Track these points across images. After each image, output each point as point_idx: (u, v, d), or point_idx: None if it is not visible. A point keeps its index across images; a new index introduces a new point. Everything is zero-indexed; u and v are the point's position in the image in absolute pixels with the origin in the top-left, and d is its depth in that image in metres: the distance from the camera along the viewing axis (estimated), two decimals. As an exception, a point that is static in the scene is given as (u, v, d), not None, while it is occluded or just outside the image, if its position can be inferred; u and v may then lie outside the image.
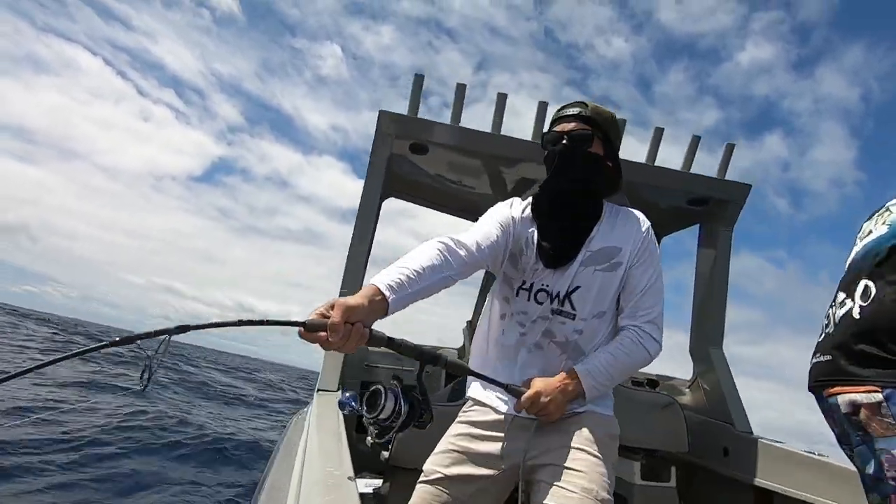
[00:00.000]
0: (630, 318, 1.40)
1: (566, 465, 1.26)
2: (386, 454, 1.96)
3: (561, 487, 1.22)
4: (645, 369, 3.55)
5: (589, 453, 1.28)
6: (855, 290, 1.46)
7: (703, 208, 2.78)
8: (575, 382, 1.32)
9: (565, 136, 1.39)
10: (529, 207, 1.48)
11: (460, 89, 2.48)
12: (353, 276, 2.45)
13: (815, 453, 2.09)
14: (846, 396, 1.36)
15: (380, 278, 1.13)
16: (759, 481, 2.19)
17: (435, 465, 1.37)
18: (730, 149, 2.70)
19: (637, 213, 1.47)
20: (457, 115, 2.48)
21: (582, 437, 1.30)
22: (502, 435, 1.36)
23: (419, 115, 2.46)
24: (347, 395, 1.39)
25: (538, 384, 1.32)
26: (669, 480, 2.33)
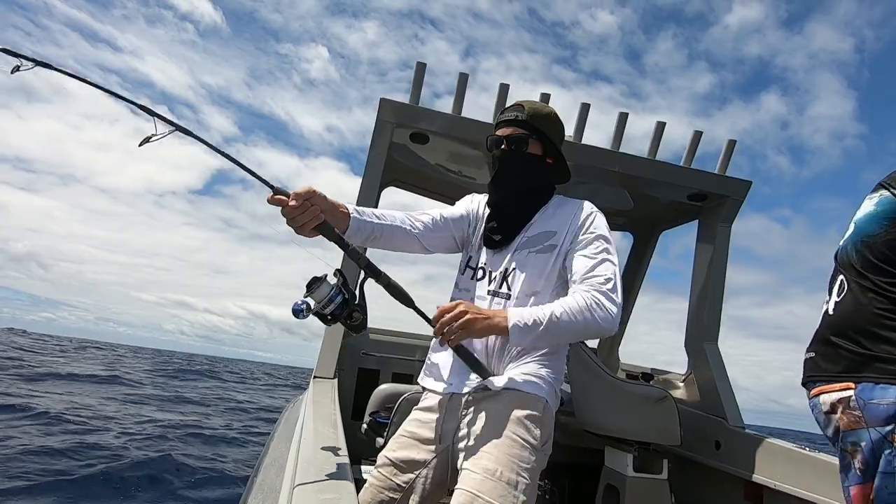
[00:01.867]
0: (579, 283, 1.34)
1: (477, 445, 1.27)
2: (381, 440, 1.97)
3: (467, 469, 1.24)
4: (638, 362, 3.57)
5: (501, 433, 1.26)
6: (833, 286, 1.49)
7: (702, 204, 2.78)
8: (503, 316, 1.26)
9: (503, 141, 1.46)
10: (486, 199, 1.59)
11: (462, 78, 2.46)
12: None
13: (805, 448, 2.11)
14: (824, 397, 1.39)
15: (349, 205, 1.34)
16: (750, 475, 2.21)
17: (385, 451, 1.41)
18: (731, 145, 2.69)
19: (583, 201, 1.49)
20: (458, 104, 2.47)
21: (497, 417, 1.29)
22: (440, 416, 1.38)
23: (420, 105, 2.45)
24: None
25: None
26: (661, 473, 2.35)
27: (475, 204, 1.59)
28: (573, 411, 2.58)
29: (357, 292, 1.31)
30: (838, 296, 1.45)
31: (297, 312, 1.22)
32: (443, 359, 1.47)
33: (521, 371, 1.35)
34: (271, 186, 1.20)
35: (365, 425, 2.38)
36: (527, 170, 1.47)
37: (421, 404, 1.47)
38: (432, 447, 1.36)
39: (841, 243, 1.50)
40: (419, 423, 1.42)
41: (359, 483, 1.18)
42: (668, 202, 2.95)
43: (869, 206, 1.44)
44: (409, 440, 1.39)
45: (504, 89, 2.48)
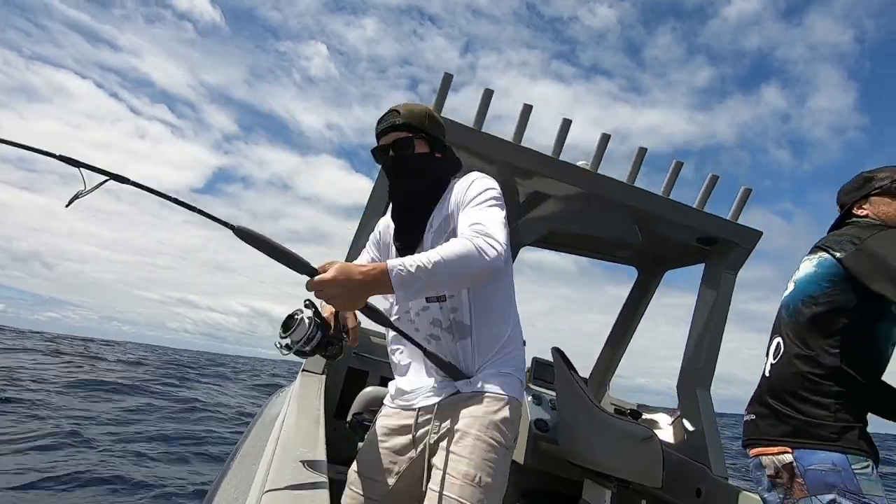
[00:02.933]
0: (463, 230, 1.28)
1: (453, 449, 1.27)
2: (361, 444, 1.96)
3: (446, 473, 1.25)
4: (629, 398, 3.53)
5: (476, 437, 1.27)
6: (771, 347, 1.50)
7: (711, 248, 2.77)
8: (381, 272, 1.12)
9: (390, 149, 1.45)
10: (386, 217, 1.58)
11: (487, 94, 2.47)
12: None
13: None
14: (765, 459, 1.41)
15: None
16: None
17: (355, 465, 1.42)
18: (745, 193, 2.69)
19: (471, 174, 1.44)
20: (480, 119, 2.47)
21: (472, 420, 1.30)
22: (412, 423, 1.39)
23: (443, 115, 2.46)
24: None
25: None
26: None
27: (379, 229, 1.60)
28: (557, 438, 2.55)
29: (332, 322, 1.33)
30: (774, 358, 1.48)
31: (280, 350, 1.25)
32: (408, 358, 1.46)
33: (490, 371, 1.36)
34: (312, 269, 1.13)
35: (348, 425, 2.36)
36: (420, 169, 1.45)
37: (389, 410, 1.48)
38: (405, 456, 1.37)
39: (782, 301, 1.52)
40: (389, 431, 1.43)
41: (334, 483, 1.17)
42: (678, 242, 2.94)
43: (808, 266, 1.46)
44: (381, 450, 1.40)
45: (527, 109, 2.49)
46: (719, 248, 2.74)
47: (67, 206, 1.03)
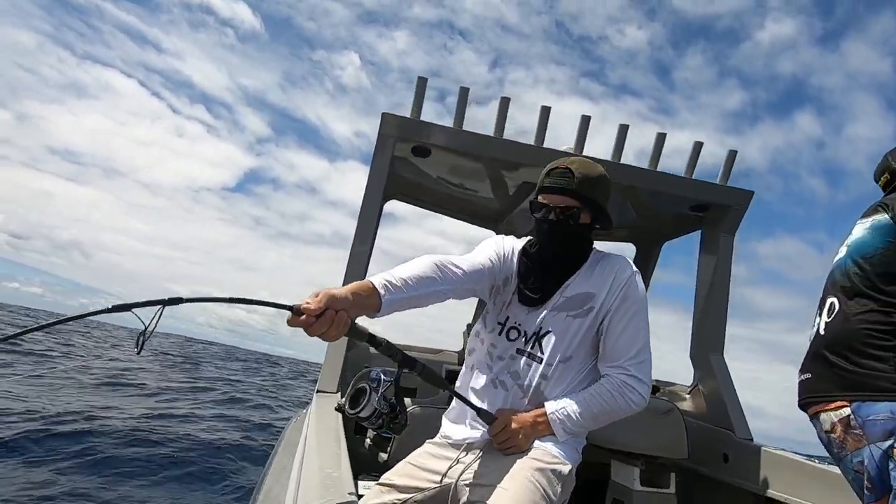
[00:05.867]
0: (610, 363, 1.37)
1: (498, 484, 1.24)
2: (384, 456, 1.96)
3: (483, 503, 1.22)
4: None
5: (524, 478, 1.24)
6: (823, 307, 1.51)
7: (704, 214, 2.78)
8: (545, 423, 1.33)
9: (552, 212, 1.39)
10: (522, 246, 1.51)
11: (463, 92, 2.48)
12: (355, 277, 2.45)
13: (815, 461, 2.08)
14: (823, 416, 1.41)
15: (378, 277, 1.18)
16: (759, 489, 2.18)
17: (391, 472, 1.41)
18: (732, 155, 2.70)
19: (621, 258, 1.46)
20: (459, 118, 2.48)
21: (522, 464, 1.28)
22: (454, 457, 1.38)
23: (422, 118, 2.47)
24: (377, 370, 1.40)
25: (509, 414, 1.35)
26: (669, 487, 2.32)
27: (506, 250, 1.50)
28: None
29: (395, 398, 1.32)
30: (828, 316, 1.47)
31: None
32: (467, 407, 1.44)
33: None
34: (289, 308, 1.07)
35: (369, 440, 2.36)
36: (575, 239, 1.42)
37: (438, 440, 1.47)
38: (436, 478, 1.35)
39: (833, 264, 1.54)
40: (430, 455, 1.42)
41: (360, 498, 1.17)
42: (670, 213, 2.95)
43: (861, 229, 1.48)
44: (415, 468, 1.39)
45: (505, 102, 2.50)
46: (713, 214, 2.74)
47: (139, 352, 1.00)
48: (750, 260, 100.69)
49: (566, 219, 1.38)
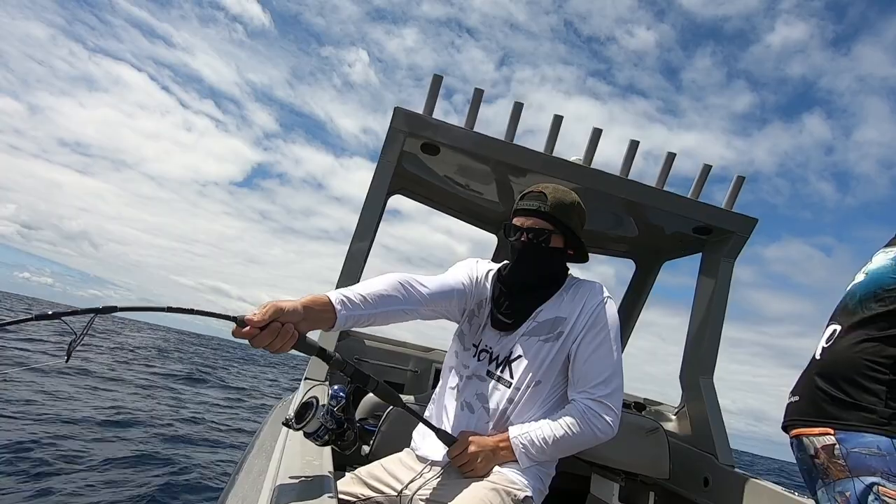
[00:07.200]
0: (578, 389, 1.37)
1: (449, 501, 1.24)
2: (367, 448, 1.95)
3: None
4: (633, 392, 3.54)
5: (477, 498, 1.23)
6: (826, 332, 1.49)
7: (707, 238, 2.77)
8: (507, 448, 1.33)
9: (524, 234, 1.40)
10: (495, 271, 1.53)
11: (477, 94, 2.47)
12: (352, 272, 2.44)
13: (795, 493, 2.08)
14: (805, 440, 1.40)
15: (335, 292, 1.17)
16: None
17: (365, 468, 1.43)
18: (739, 181, 2.69)
19: (596, 284, 1.46)
20: (472, 118, 2.47)
21: (478, 485, 1.28)
22: (419, 470, 1.39)
23: (434, 116, 2.46)
24: (336, 387, 1.39)
25: (471, 436, 1.35)
26: None
27: (479, 273, 1.52)
28: None
29: (343, 413, 1.29)
30: (827, 342, 1.46)
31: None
32: (433, 420, 1.47)
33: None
34: (233, 319, 1.05)
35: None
36: (547, 263, 1.42)
37: (410, 453, 1.49)
38: (397, 486, 1.37)
39: (847, 290, 1.51)
40: (399, 463, 1.44)
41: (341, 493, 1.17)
42: (673, 233, 2.95)
43: (884, 259, 1.45)
44: (384, 471, 1.41)
45: (518, 108, 2.49)
46: (715, 237, 2.74)
47: (67, 360, 0.97)
48: (756, 263, 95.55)
49: (539, 242, 1.39)
